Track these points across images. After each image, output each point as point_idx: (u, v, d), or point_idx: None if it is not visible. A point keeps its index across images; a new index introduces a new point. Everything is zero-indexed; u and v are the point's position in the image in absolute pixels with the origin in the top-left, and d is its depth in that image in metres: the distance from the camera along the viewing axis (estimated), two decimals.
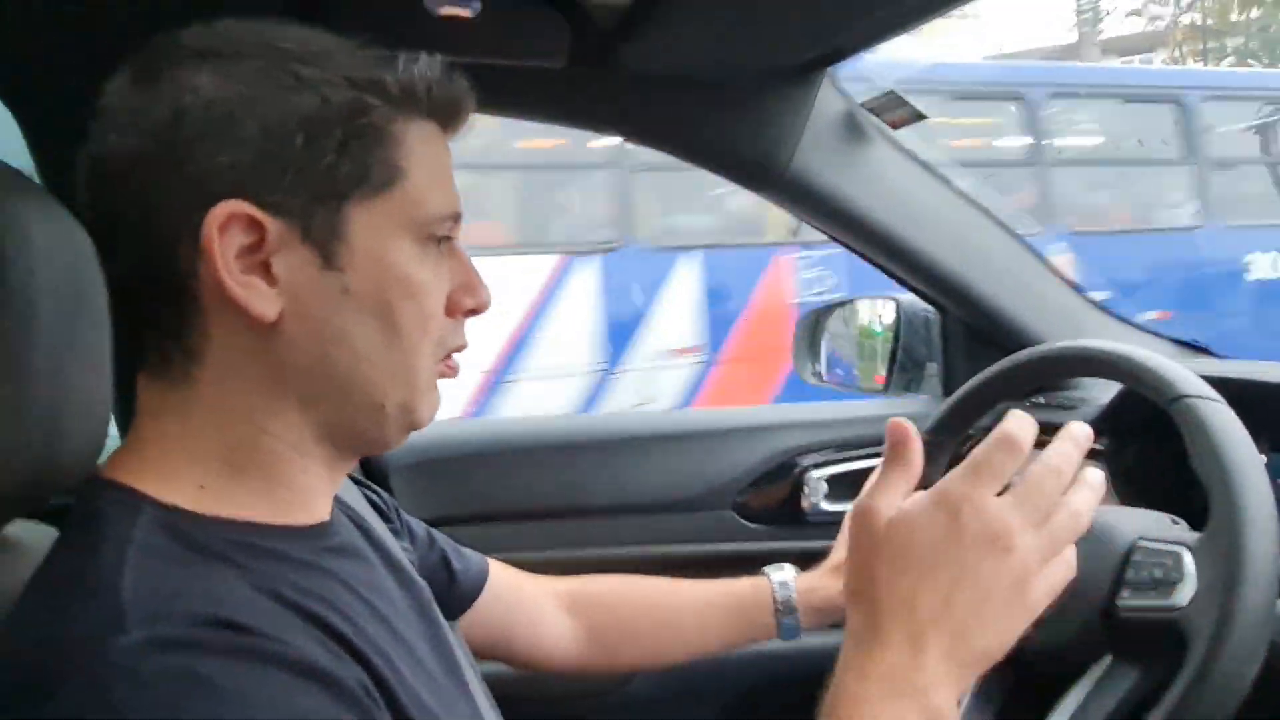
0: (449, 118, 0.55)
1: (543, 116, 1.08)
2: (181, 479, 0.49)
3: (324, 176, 0.49)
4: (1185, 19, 14.45)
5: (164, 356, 0.50)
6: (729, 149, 1.05)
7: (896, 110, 1.03)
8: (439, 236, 0.54)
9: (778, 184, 1.05)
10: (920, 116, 1.03)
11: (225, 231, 0.47)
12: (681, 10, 0.84)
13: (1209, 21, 14.16)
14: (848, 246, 1.16)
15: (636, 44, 0.90)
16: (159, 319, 0.50)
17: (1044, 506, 0.50)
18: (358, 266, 0.50)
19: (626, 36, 0.89)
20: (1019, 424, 0.51)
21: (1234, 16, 13.73)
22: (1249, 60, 13.29)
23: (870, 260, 1.17)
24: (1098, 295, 1.24)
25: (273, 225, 0.48)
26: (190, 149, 0.47)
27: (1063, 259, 4.21)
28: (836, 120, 1.04)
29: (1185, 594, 0.64)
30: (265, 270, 0.48)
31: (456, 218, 0.55)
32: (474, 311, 0.57)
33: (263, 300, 0.48)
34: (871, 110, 1.05)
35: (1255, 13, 13.70)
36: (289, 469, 0.52)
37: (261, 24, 0.50)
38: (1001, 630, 0.49)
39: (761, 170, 1.05)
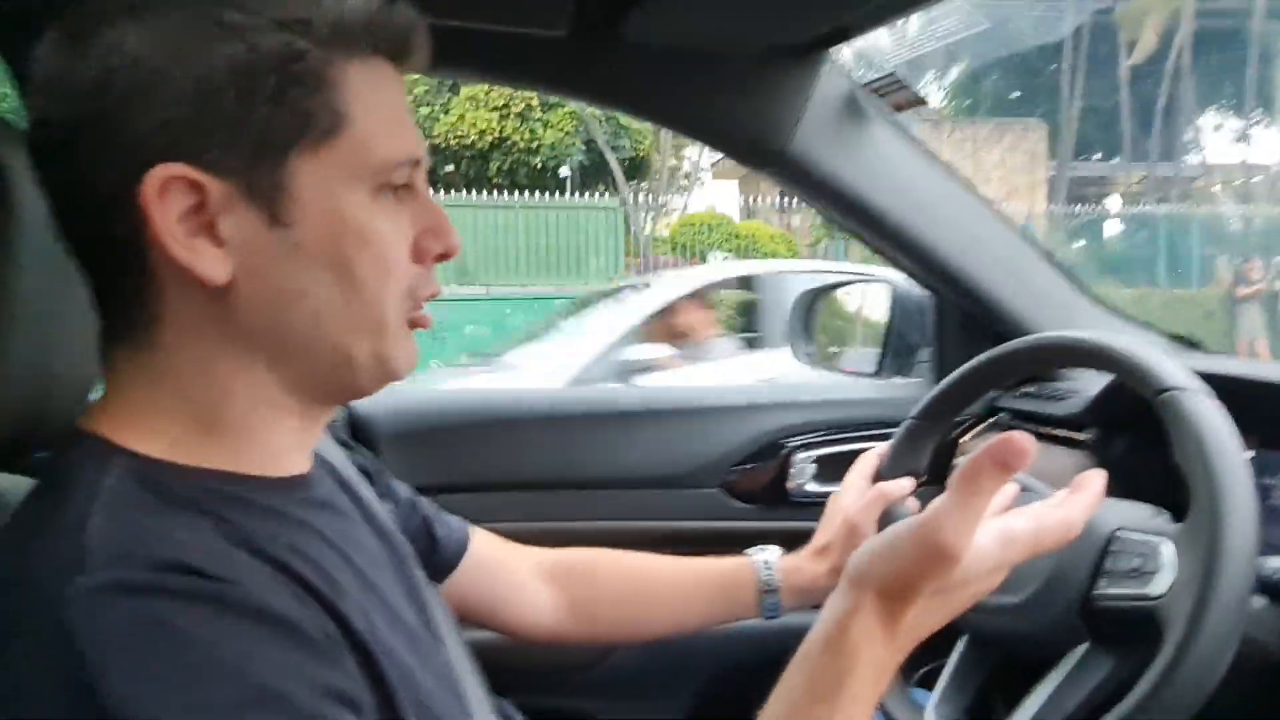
0: (398, 51, 0.52)
1: (543, 87, 1.06)
2: (153, 434, 0.48)
3: (261, 130, 0.47)
4: None
5: (126, 321, 0.49)
6: (729, 126, 1.04)
7: (899, 93, 1.02)
8: (396, 184, 0.51)
9: (777, 163, 1.04)
10: (923, 101, 1.02)
11: (165, 195, 0.46)
12: None
13: None
14: (845, 229, 1.16)
15: (639, 14, 0.89)
16: (116, 285, 0.49)
17: (1045, 548, 0.54)
18: (307, 220, 0.48)
19: (629, 6, 0.88)
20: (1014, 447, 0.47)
21: None
22: None
23: (867, 243, 1.16)
24: None
25: (213, 185, 0.46)
26: (121, 113, 0.45)
27: None
28: (838, 101, 1.03)
29: (1162, 583, 0.65)
30: (212, 231, 0.47)
31: (415, 162, 0.52)
32: (443, 256, 0.54)
33: (211, 263, 0.47)
34: (874, 92, 1.04)
35: None
36: (261, 426, 0.51)
37: None
38: (945, 622, 0.54)
39: (761, 149, 1.04)
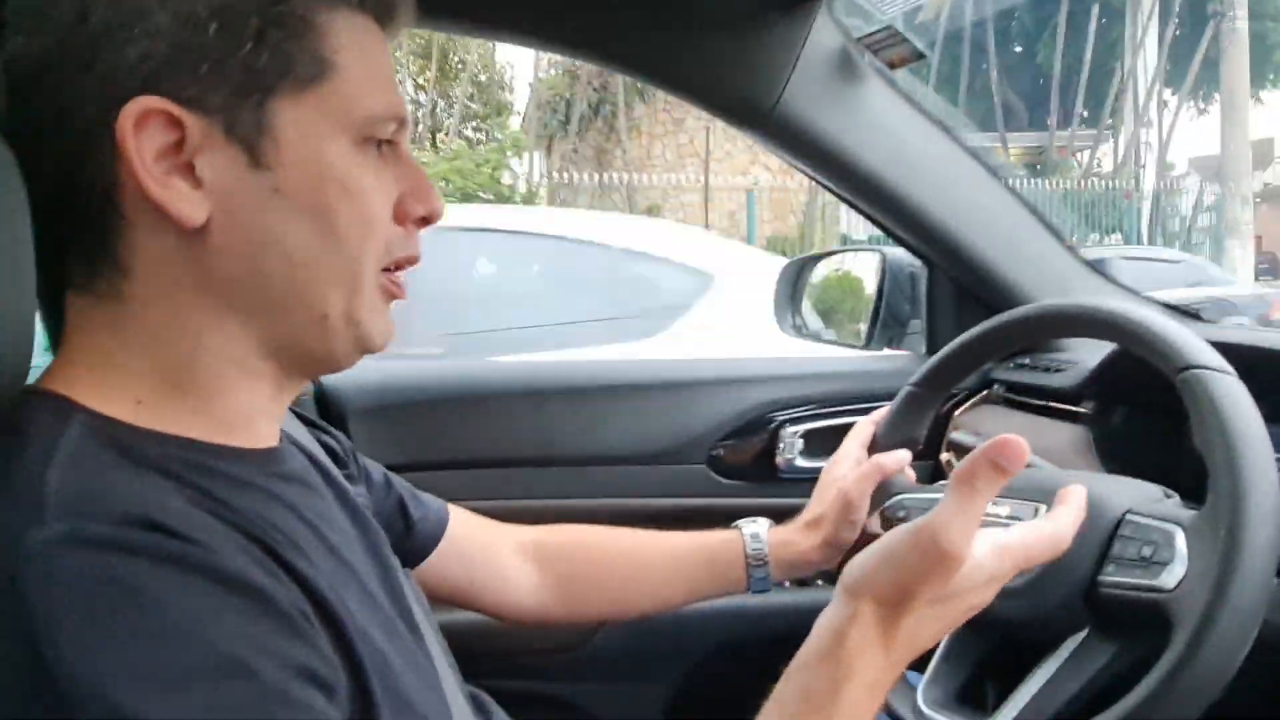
0: (383, 12, 0.51)
1: (526, 39, 1.02)
2: (117, 393, 0.46)
3: (243, 68, 0.46)
4: None
5: (92, 271, 0.47)
6: (715, 83, 0.99)
7: (895, 48, 0.97)
8: (380, 139, 0.51)
9: (765, 123, 1.00)
10: (921, 56, 0.97)
11: (142, 129, 0.44)
12: None
13: None
14: (834, 193, 1.12)
15: None
16: (84, 231, 0.47)
17: (1035, 561, 0.55)
18: (288, 165, 0.47)
19: None
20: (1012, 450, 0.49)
21: None
22: None
23: (858, 209, 1.12)
24: None
25: (192, 122, 0.45)
26: (98, 45, 0.44)
27: None
28: (830, 57, 0.98)
29: (1174, 576, 0.61)
30: (189, 172, 0.46)
31: (400, 121, 0.52)
32: (426, 220, 0.54)
33: (187, 203, 0.46)
34: (869, 47, 0.99)
35: None
36: (231, 387, 0.49)
37: None
38: (941, 635, 0.55)
39: (748, 107, 0.99)
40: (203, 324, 0.48)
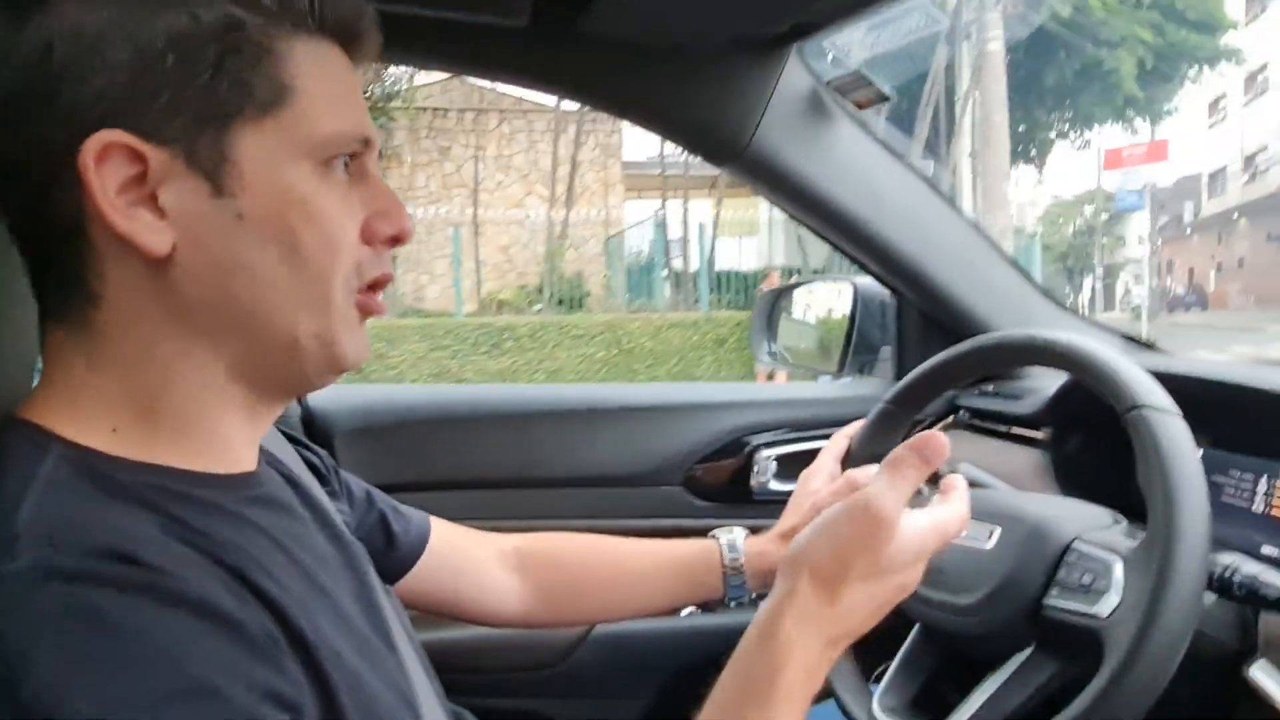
0: (347, 38, 0.52)
1: (503, 77, 1.05)
2: (93, 422, 0.47)
3: (202, 98, 0.46)
4: None
5: (64, 300, 0.48)
6: (690, 121, 1.03)
7: (862, 90, 1.02)
8: (345, 156, 0.51)
9: (738, 159, 1.04)
10: (885, 98, 1.02)
11: (104, 163, 0.45)
12: None
13: None
14: (807, 226, 1.16)
15: (600, 6, 0.88)
16: (55, 261, 0.48)
17: (949, 537, 0.59)
18: (250, 191, 0.47)
19: None
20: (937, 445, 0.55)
21: None
22: None
23: (829, 241, 1.16)
24: None
25: (154, 154, 0.46)
26: (60, 80, 0.45)
27: None
28: (801, 97, 1.03)
29: (1109, 605, 0.64)
30: (153, 202, 0.46)
31: (365, 141, 0.52)
32: (396, 240, 0.54)
33: (151, 233, 0.46)
34: (837, 89, 1.04)
35: None
36: (204, 414, 0.50)
37: None
38: (874, 618, 0.56)
39: (722, 144, 1.03)
40: (173, 352, 0.48)
